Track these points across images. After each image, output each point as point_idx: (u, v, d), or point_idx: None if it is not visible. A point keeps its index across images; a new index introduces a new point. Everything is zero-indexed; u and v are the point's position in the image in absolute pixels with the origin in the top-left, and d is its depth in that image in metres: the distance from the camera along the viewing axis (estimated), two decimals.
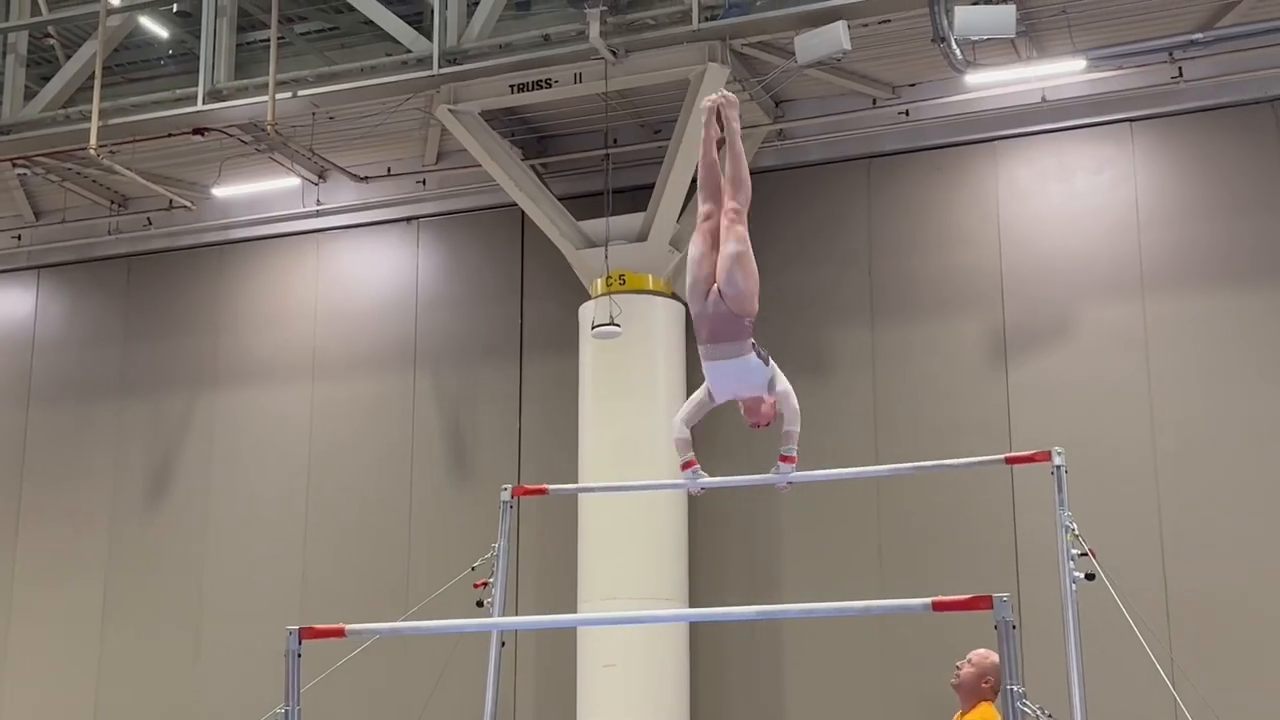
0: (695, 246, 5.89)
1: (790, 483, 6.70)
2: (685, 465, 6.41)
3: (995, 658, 7.08)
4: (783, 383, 6.02)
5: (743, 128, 11.86)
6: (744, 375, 5.86)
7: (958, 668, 7.27)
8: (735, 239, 5.79)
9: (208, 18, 11.95)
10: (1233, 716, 9.12)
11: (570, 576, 11.59)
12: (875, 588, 10.96)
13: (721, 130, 5.98)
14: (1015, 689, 4.65)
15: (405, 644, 12.27)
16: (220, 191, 13.41)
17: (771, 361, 5.94)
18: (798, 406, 6.10)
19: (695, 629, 11.59)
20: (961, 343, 11.64)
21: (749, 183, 5.96)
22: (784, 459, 6.37)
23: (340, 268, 13.76)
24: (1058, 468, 6.97)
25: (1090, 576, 6.87)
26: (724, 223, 5.84)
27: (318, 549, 13.12)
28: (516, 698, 12.17)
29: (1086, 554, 6.82)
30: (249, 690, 11.85)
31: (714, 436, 10.76)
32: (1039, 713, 4.89)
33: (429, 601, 7.23)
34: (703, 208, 6.01)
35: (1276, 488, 10.58)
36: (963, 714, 7.30)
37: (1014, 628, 4.61)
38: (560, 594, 11.76)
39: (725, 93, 6.06)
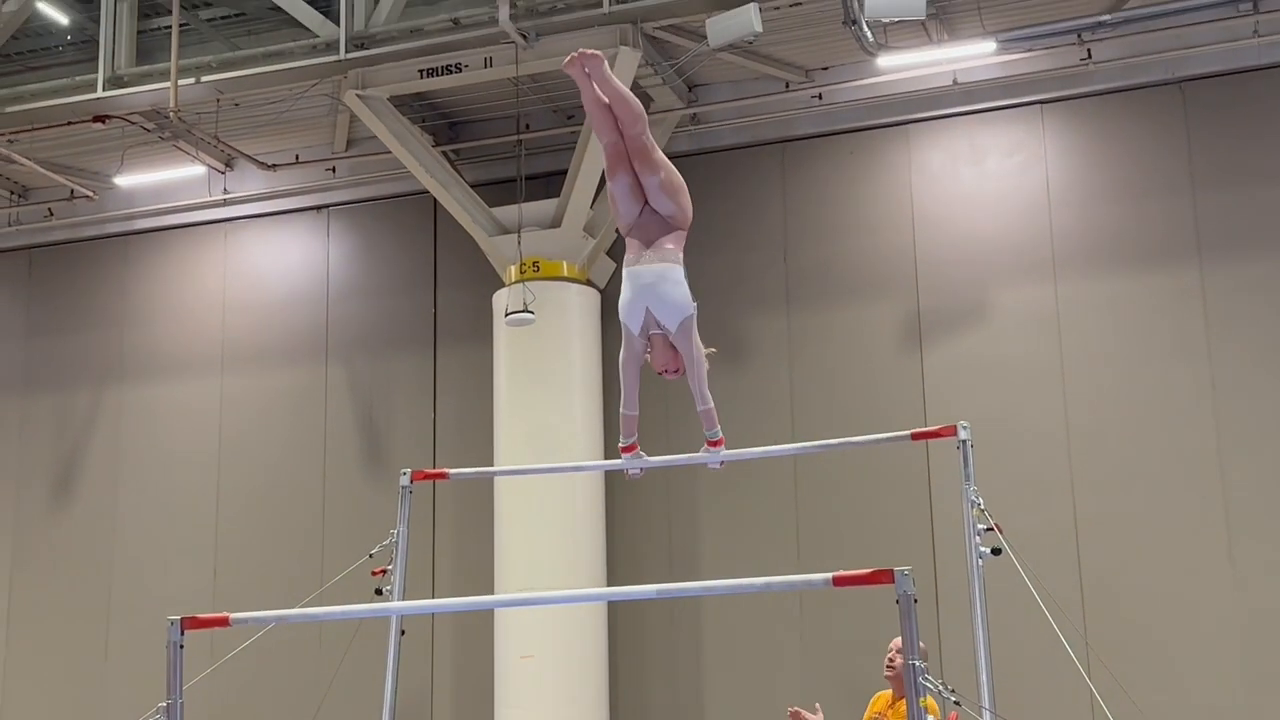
0: (612, 173, 5.63)
1: (723, 462, 6.45)
2: (627, 449, 6.16)
3: (922, 644, 7.09)
4: (697, 346, 5.74)
5: (656, 112, 11.86)
6: (666, 290, 5.57)
7: (890, 660, 7.31)
8: (651, 168, 5.59)
9: (108, 2, 11.69)
10: (1146, 695, 9.18)
11: (489, 570, 11.47)
12: (793, 570, 10.93)
13: (592, 83, 5.52)
14: (916, 664, 4.62)
15: (319, 636, 12.10)
16: (123, 181, 13.10)
17: (694, 306, 5.66)
18: (705, 376, 5.84)
19: (614, 620, 11.51)
20: (877, 326, 11.64)
21: (637, 105, 5.61)
22: (711, 444, 6.17)
23: (249, 258, 13.51)
24: (963, 442, 6.93)
25: (996, 551, 6.84)
26: (633, 149, 5.57)
27: (229, 544, 12.88)
28: (434, 689, 12.04)
29: (992, 529, 6.80)
30: (157, 688, 11.61)
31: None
32: (940, 687, 4.85)
33: (334, 591, 7.10)
34: (605, 142, 5.70)
35: (1187, 467, 10.67)
36: (895, 698, 7.29)
37: (915, 601, 4.57)
38: (478, 587, 11.63)
39: (582, 49, 5.57)
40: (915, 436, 7.27)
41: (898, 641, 7.27)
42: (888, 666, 7.37)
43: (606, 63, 5.50)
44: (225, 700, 11.89)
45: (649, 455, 6.43)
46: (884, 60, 11.23)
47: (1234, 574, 10.38)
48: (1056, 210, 11.33)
